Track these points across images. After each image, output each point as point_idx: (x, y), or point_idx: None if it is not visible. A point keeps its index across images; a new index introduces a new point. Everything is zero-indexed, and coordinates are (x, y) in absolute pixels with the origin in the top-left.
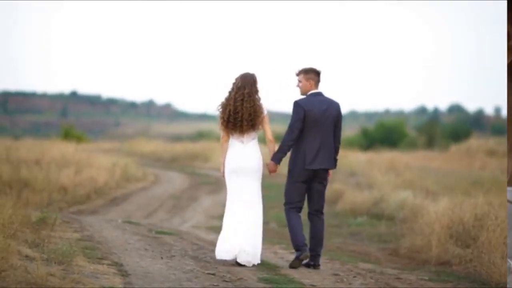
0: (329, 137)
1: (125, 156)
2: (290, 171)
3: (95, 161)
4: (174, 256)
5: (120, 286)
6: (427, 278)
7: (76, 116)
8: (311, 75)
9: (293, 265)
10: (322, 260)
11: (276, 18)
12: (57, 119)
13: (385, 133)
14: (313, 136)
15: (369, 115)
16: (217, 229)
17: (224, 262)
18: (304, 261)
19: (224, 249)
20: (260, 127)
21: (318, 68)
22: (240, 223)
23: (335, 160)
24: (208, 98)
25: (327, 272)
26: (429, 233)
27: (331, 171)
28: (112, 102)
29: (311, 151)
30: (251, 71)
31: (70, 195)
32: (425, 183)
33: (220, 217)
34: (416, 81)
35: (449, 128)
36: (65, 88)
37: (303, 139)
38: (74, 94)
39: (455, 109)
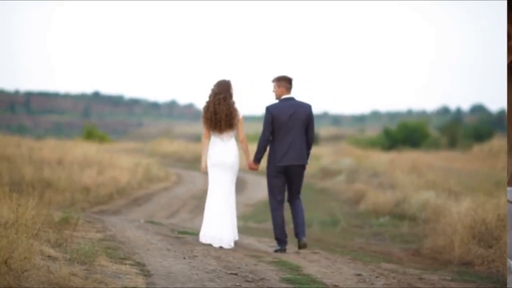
0: (299, 137)
1: (147, 157)
2: (266, 168)
3: (117, 161)
4: (196, 256)
5: (143, 286)
6: (449, 278)
7: (99, 116)
8: (282, 82)
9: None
10: (344, 260)
11: (297, 19)
12: (80, 119)
13: (408, 133)
14: (283, 136)
15: (391, 115)
16: (240, 229)
17: (247, 263)
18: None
19: (207, 234)
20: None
21: (289, 76)
22: (220, 211)
23: (307, 155)
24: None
25: (349, 272)
26: (451, 233)
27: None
28: (134, 102)
29: (281, 150)
30: (226, 78)
31: (92, 195)
32: (447, 183)
33: (242, 217)
34: (438, 81)
35: (471, 128)
36: (87, 88)
37: (275, 139)
38: (96, 95)
39: (478, 109)
